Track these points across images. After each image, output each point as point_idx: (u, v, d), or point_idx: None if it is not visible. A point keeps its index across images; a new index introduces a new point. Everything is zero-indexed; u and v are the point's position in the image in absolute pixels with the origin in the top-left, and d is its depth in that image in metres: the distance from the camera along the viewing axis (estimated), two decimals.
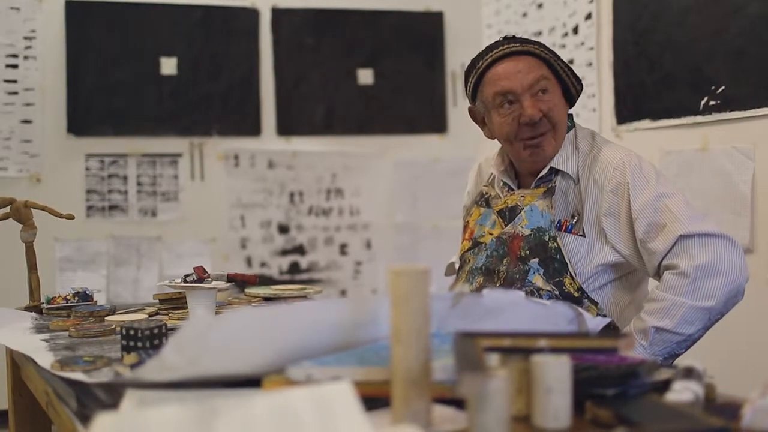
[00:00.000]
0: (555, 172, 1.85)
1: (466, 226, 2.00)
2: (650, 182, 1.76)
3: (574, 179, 1.83)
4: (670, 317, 1.67)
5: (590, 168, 1.82)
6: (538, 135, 1.83)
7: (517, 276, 1.80)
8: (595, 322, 1.39)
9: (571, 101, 1.90)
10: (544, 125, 1.83)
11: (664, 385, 1.09)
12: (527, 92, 1.81)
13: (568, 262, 1.77)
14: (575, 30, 3.70)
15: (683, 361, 1.16)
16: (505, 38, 1.88)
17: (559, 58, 1.87)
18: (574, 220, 1.80)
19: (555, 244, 1.78)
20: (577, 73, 1.92)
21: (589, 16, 3.62)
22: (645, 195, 1.74)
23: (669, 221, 1.71)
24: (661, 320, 1.68)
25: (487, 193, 1.99)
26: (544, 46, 1.87)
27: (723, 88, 2.87)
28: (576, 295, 1.76)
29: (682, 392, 1.05)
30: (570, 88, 1.87)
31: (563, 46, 3.75)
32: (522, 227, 1.84)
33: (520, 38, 1.88)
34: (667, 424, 0.95)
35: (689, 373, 1.10)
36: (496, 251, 1.88)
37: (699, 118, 2.98)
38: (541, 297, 1.74)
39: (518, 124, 1.82)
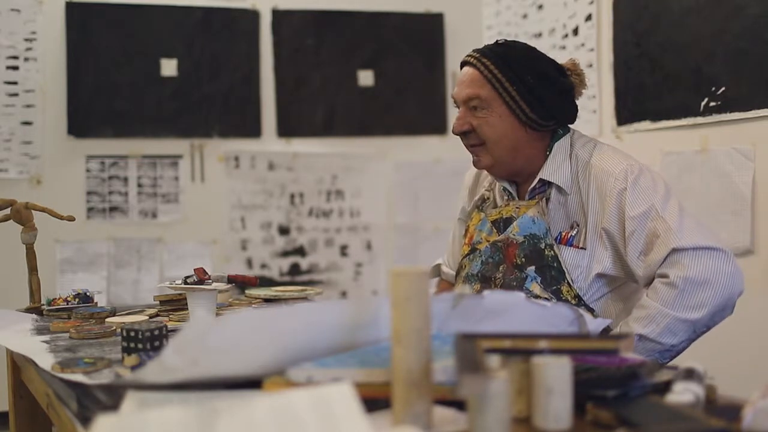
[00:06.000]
0: (548, 183, 1.83)
1: (466, 231, 1.99)
2: (647, 192, 1.73)
3: (566, 190, 1.81)
4: (654, 325, 1.67)
5: (590, 176, 1.78)
6: (470, 146, 1.85)
7: (515, 283, 1.79)
8: (596, 324, 1.39)
9: (537, 118, 1.80)
10: (473, 138, 1.84)
11: (665, 387, 1.09)
12: (463, 104, 1.84)
13: (565, 270, 1.76)
14: (575, 31, 3.70)
15: (683, 362, 1.16)
16: (495, 42, 1.87)
17: (516, 77, 1.77)
18: (574, 232, 1.78)
19: (552, 252, 1.77)
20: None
21: (589, 18, 3.62)
22: (641, 206, 1.71)
23: (663, 232, 1.68)
24: (645, 327, 1.67)
25: (487, 198, 1.98)
26: (505, 60, 1.79)
27: (723, 89, 2.87)
28: (573, 302, 1.75)
29: (682, 393, 1.05)
30: (516, 111, 1.79)
31: (563, 47, 3.75)
32: (514, 234, 1.82)
33: (496, 46, 1.85)
34: (667, 426, 0.95)
35: (690, 374, 1.10)
36: (491, 258, 1.86)
37: (699, 119, 2.98)
38: None
39: None
